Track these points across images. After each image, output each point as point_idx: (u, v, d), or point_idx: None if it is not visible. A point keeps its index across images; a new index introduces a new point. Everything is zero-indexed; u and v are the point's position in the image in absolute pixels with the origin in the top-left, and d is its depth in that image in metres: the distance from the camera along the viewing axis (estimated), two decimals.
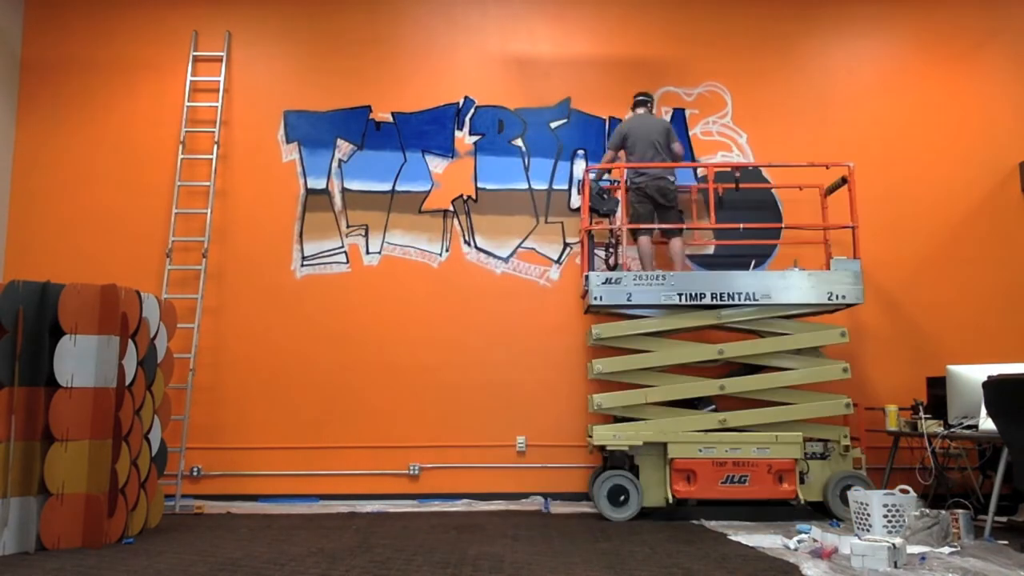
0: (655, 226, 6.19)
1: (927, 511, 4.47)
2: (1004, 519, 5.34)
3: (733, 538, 4.70)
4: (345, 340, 6.64)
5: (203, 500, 6.22)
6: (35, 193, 6.87)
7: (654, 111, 6.66)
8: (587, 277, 5.72)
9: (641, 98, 6.48)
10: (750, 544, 4.49)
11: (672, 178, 6.27)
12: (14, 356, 4.41)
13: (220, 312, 6.69)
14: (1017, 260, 6.83)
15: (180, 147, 6.85)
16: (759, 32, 7.12)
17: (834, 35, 7.14)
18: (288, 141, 6.96)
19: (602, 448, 5.57)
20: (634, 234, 6.27)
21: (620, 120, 6.99)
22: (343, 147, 6.96)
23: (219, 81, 6.95)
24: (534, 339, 6.67)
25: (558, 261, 6.84)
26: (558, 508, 6.06)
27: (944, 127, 7.02)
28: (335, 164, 6.93)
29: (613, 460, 5.58)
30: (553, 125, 7.01)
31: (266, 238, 6.80)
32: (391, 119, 7.00)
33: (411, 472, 6.47)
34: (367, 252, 6.82)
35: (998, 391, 4.33)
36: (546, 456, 6.51)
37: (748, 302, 5.64)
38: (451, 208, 6.90)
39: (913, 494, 4.64)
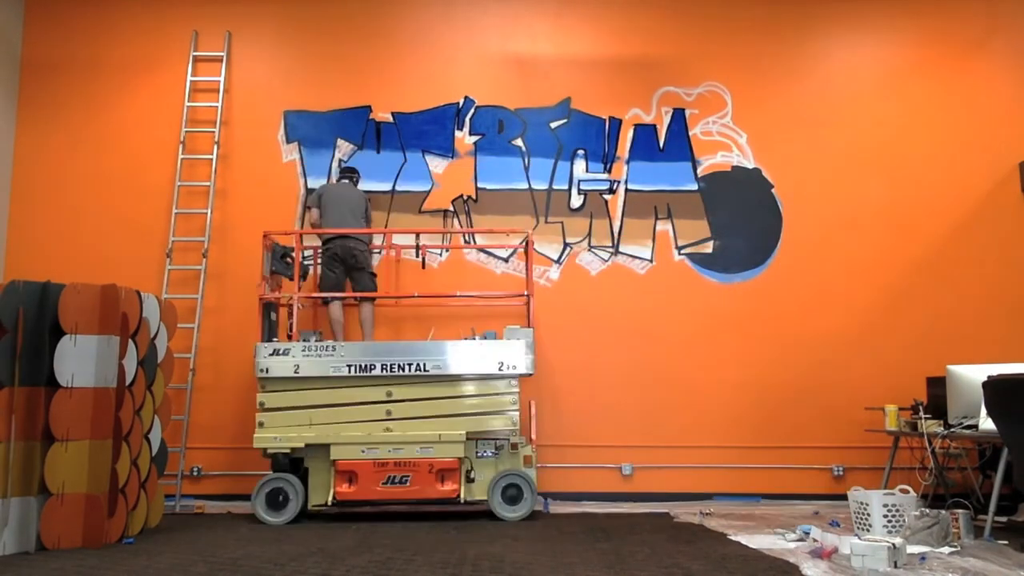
0: (334, 295, 6.15)
1: (927, 511, 4.47)
2: (1004, 519, 5.35)
3: (733, 538, 4.70)
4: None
5: (203, 500, 6.22)
6: (35, 193, 6.87)
7: (358, 185, 6.59)
8: (256, 348, 5.51)
9: (346, 169, 6.57)
10: (750, 544, 4.49)
11: (365, 241, 6.26)
12: (14, 356, 4.41)
13: (220, 312, 6.69)
14: (1017, 260, 6.83)
15: (180, 147, 6.86)
16: (759, 32, 7.12)
17: (834, 35, 7.14)
18: (288, 141, 6.96)
19: (265, 451, 5.45)
20: (325, 300, 6.23)
21: (620, 120, 7.00)
22: (343, 147, 6.96)
23: (219, 81, 6.95)
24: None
25: (558, 261, 6.84)
26: (558, 508, 6.06)
27: (944, 127, 7.02)
28: (335, 164, 6.93)
29: (276, 463, 5.47)
30: (553, 125, 7.01)
31: None
32: (391, 119, 7.00)
33: None
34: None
35: (998, 391, 4.32)
36: (546, 456, 6.51)
37: (418, 373, 5.49)
38: (451, 208, 6.90)
39: (913, 494, 4.64)
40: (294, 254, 5.97)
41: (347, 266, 6.21)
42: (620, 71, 7.08)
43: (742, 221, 6.87)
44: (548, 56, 7.09)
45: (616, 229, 6.88)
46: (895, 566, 3.76)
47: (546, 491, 6.41)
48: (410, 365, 5.51)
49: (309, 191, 6.80)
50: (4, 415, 4.34)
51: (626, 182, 6.94)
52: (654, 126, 7.01)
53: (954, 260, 6.84)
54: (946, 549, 4.28)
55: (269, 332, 5.85)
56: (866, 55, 7.12)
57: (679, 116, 7.03)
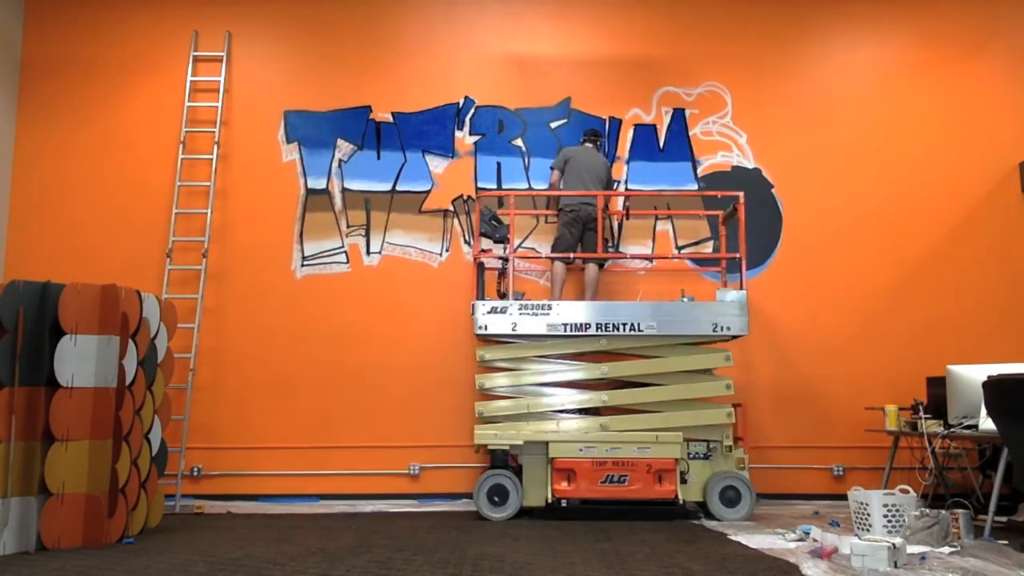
0: (555, 255, 6.26)
1: (927, 511, 4.47)
2: (1004, 519, 5.35)
3: (733, 538, 4.70)
4: (345, 340, 6.64)
5: (203, 500, 6.22)
6: (35, 193, 6.87)
7: (603, 150, 6.75)
8: (473, 305, 5.68)
9: (594, 128, 6.69)
10: (750, 544, 4.49)
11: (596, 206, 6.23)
12: (14, 356, 4.41)
13: (220, 312, 6.69)
14: (1017, 260, 6.83)
15: (180, 147, 6.85)
16: (759, 32, 7.12)
17: (834, 35, 7.14)
18: (288, 141, 6.96)
19: (486, 447, 5.54)
20: (553, 258, 6.31)
21: (620, 120, 7.00)
22: (343, 147, 6.96)
23: (219, 81, 6.95)
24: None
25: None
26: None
27: (944, 127, 7.02)
28: (335, 164, 6.93)
29: (495, 460, 5.57)
30: (553, 125, 7.01)
31: (266, 238, 6.80)
32: (391, 119, 7.00)
33: (411, 472, 6.47)
34: (367, 252, 6.82)
35: (998, 391, 4.33)
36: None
37: (632, 332, 5.59)
38: (451, 208, 6.90)
39: (913, 494, 4.65)
40: (501, 217, 6.09)
41: (585, 229, 6.26)
42: (620, 71, 7.08)
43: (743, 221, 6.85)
44: (548, 56, 7.09)
45: (616, 229, 6.87)
46: (895, 566, 3.76)
47: None
48: (624, 325, 5.59)
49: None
50: (4, 415, 4.34)
51: (626, 182, 6.94)
52: (654, 126, 7.01)
53: (954, 260, 6.84)
54: (946, 549, 4.28)
55: (481, 291, 5.97)
56: (866, 55, 7.12)
57: (679, 116, 7.03)
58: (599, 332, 5.60)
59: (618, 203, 6.83)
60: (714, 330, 5.59)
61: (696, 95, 7.07)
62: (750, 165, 6.96)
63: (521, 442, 5.49)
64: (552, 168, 6.55)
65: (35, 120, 6.98)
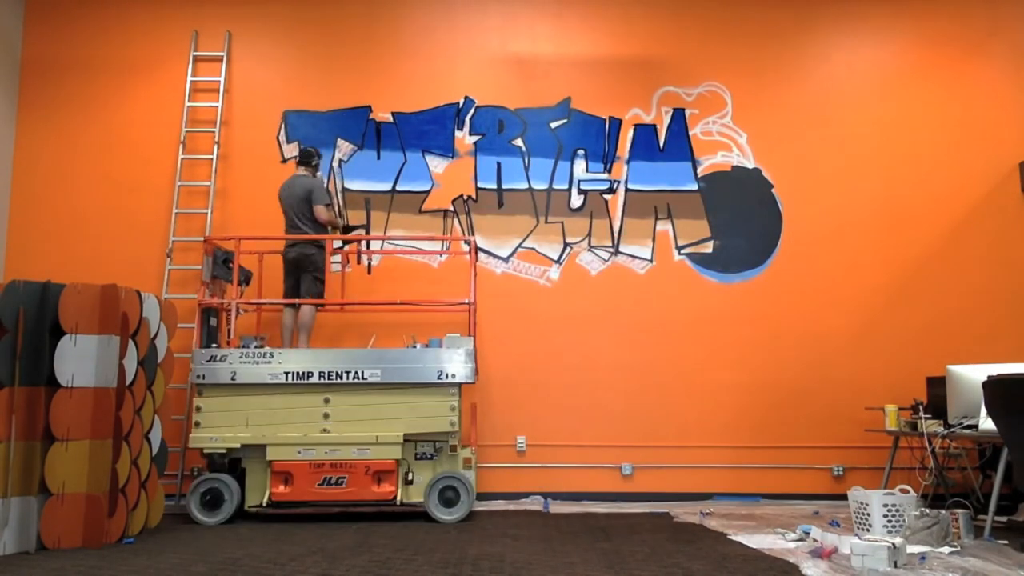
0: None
1: (927, 511, 4.47)
2: (1004, 519, 5.35)
3: (733, 538, 4.70)
4: (345, 340, 6.63)
5: None
6: (36, 193, 6.87)
7: (317, 172, 6.33)
8: (193, 354, 5.52)
9: (302, 152, 6.27)
10: (750, 544, 4.49)
11: (314, 248, 6.02)
12: (15, 356, 4.41)
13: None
14: (1017, 260, 6.84)
15: (180, 147, 6.86)
16: (759, 32, 7.12)
17: (834, 35, 7.14)
18: (288, 141, 6.96)
19: (201, 451, 5.44)
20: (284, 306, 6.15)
21: (620, 120, 7.00)
22: (343, 147, 6.96)
23: (219, 81, 6.95)
24: (534, 339, 6.68)
25: (558, 261, 6.84)
26: (558, 508, 6.06)
27: (944, 127, 7.02)
28: (335, 164, 6.93)
29: (212, 463, 5.44)
30: (553, 125, 7.01)
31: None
32: (391, 119, 7.00)
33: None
34: (367, 252, 6.82)
35: (998, 391, 4.33)
36: (546, 456, 6.52)
37: (356, 380, 5.46)
38: (451, 208, 6.90)
39: (913, 494, 4.65)
40: (235, 259, 5.94)
41: (298, 269, 6.07)
42: (620, 71, 7.08)
43: (742, 221, 6.87)
44: (548, 56, 7.09)
45: (616, 229, 6.88)
46: (895, 566, 3.76)
47: (546, 491, 6.42)
48: (348, 373, 5.47)
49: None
50: (4, 415, 4.34)
51: (626, 182, 6.94)
52: (654, 126, 7.02)
53: (954, 260, 6.85)
54: (946, 549, 4.28)
55: (208, 338, 5.83)
56: (866, 56, 7.12)
57: (679, 116, 7.04)
58: (322, 380, 5.44)
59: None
60: (439, 377, 5.45)
61: (696, 95, 7.07)
62: (750, 165, 6.97)
63: (238, 445, 5.37)
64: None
65: (35, 120, 6.98)
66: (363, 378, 5.47)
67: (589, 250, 6.85)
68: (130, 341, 4.81)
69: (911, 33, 7.15)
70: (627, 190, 6.92)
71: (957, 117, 7.04)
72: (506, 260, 6.83)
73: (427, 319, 6.57)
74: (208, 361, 5.46)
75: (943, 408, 5.39)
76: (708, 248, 6.85)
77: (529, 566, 3.88)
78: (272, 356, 5.49)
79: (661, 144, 6.99)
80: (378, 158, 6.95)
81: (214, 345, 5.80)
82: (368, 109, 7.00)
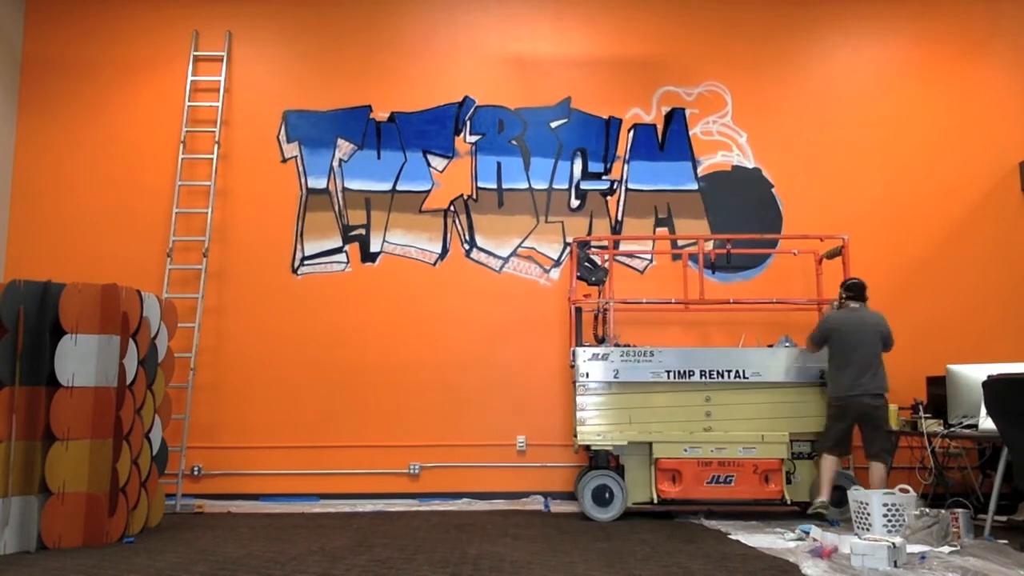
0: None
1: (927, 510, 4.48)
2: (1004, 518, 5.35)
3: (733, 537, 4.71)
4: (345, 340, 6.65)
5: (204, 499, 6.22)
6: (36, 193, 6.88)
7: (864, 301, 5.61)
8: (574, 352, 5.67)
9: (854, 283, 5.59)
10: (750, 544, 4.49)
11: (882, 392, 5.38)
12: (15, 355, 4.42)
13: (220, 312, 6.69)
14: (1017, 260, 6.84)
15: (181, 147, 6.86)
16: (759, 32, 7.12)
17: (834, 35, 7.14)
18: (288, 141, 6.97)
19: (587, 448, 5.56)
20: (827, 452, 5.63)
21: (620, 120, 7.00)
22: (343, 147, 6.96)
23: (220, 81, 6.95)
24: (534, 338, 6.68)
25: (558, 261, 6.84)
26: (558, 507, 6.06)
27: (944, 127, 7.02)
28: (335, 164, 6.93)
29: (598, 460, 5.58)
30: (553, 125, 7.01)
31: (266, 238, 6.81)
32: (391, 119, 7.00)
33: (411, 471, 6.48)
34: (367, 252, 6.83)
35: (998, 391, 4.33)
36: (546, 455, 6.52)
37: (737, 380, 5.58)
38: (451, 208, 6.90)
39: (913, 493, 4.65)
40: (596, 259, 6.08)
41: (862, 423, 5.38)
42: (620, 71, 7.08)
43: (742, 221, 6.87)
44: (548, 56, 7.10)
45: (616, 229, 6.88)
46: (895, 565, 3.76)
47: (546, 491, 6.42)
48: (729, 372, 5.58)
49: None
50: (5, 414, 4.35)
51: (626, 182, 6.94)
52: (654, 126, 7.02)
53: (954, 260, 6.85)
54: (946, 548, 4.28)
55: (579, 337, 5.94)
56: (866, 55, 7.12)
57: (679, 116, 7.04)
58: (702, 379, 5.58)
59: None
60: (821, 377, 5.57)
61: (696, 95, 7.07)
62: (750, 165, 6.97)
63: (625, 442, 5.50)
64: (812, 339, 5.58)
65: (36, 120, 6.98)
66: (744, 377, 5.57)
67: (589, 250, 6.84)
68: (130, 341, 4.81)
69: (911, 33, 7.15)
70: (627, 190, 6.92)
71: (957, 117, 7.04)
72: (506, 260, 6.83)
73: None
74: (591, 359, 5.57)
75: (943, 408, 5.39)
76: (708, 248, 6.84)
77: (529, 566, 3.88)
78: (652, 355, 5.59)
79: (661, 144, 6.98)
80: (378, 158, 6.95)
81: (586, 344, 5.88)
82: (368, 109, 7.01)
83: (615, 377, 5.56)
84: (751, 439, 5.48)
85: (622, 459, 5.59)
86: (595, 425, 5.53)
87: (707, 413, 5.56)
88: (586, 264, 6.09)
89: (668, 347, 5.82)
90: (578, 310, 6.01)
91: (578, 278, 6.11)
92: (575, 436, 5.60)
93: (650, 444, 5.51)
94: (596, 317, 6.11)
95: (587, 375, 5.57)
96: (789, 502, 5.47)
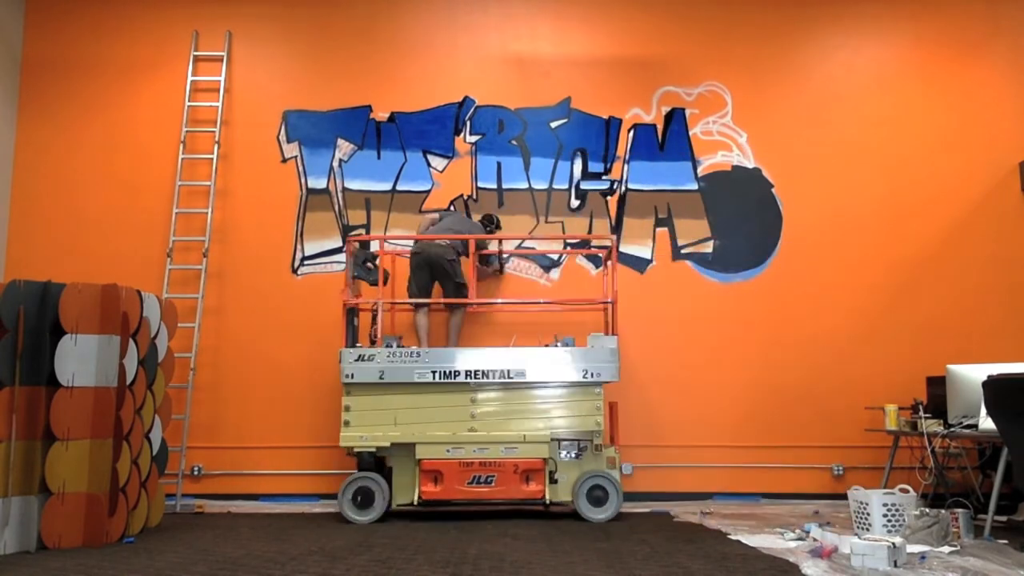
0: (423, 301, 6.16)
1: (927, 510, 4.48)
2: (1004, 518, 5.35)
3: (733, 537, 4.71)
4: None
5: (204, 499, 6.23)
6: (36, 193, 6.88)
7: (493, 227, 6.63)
8: (341, 353, 5.56)
9: (489, 216, 6.61)
10: (750, 544, 4.49)
11: (453, 254, 6.14)
12: (15, 355, 4.42)
13: (221, 312, 6.69)
14: (1017, 260, 6.84)
15: (181, 147, 6.86)
16: (759, 32, 7.12)
17: (834, 35, 7.14)
18: (288, 141, 6.97)
19: (350, 450, 5.49)
20: (415, 307, 6.21)
21: (620, 120, 7.00)
22: (343, 147, 6.96)
23: (220, 81, 6.95)
24: (534, 338, 6.66)
25: (558, 261, 6.84)
26: (558, 507, 6.05)
27: (944, 127, 7.02)
28: (335, 164, 6.93)
29: (362, 462, 5.50)
30: (553, 125, 7.01)
31: (266, 238, 6.81)
32: (391, 119, 7.00)
33: None
34: (505, 252, 6.81)
35: (998, 391, 4.33)
36: None
37: (502, 379, 5.52)
38: (451, 208, 6.90)
39: (913, 493, 4.65)
40: (376, 260, 6.00)
41: (434, 274, 6.18)
42: (620, 71, 7.08)
43: (742, 221, 6.87)
44: (548, 56, 7.10)
45: (616, 229, 6.88)
46: (895, 565, 3.76)
47: None
48: (494, 372, 5.54)
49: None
50: (5, 414, 4.35)
51: (626, 182, 6.94)
52: (654, 126, 7.02)
53: (954, 260, 6.85)
54: (946, 548, 4.28)
55: (352, 338, 5.87)
56: (866, 55, 7.12)
57: (679, 116, 7.04)
58: (468, 379, 5.51)
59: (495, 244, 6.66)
60: (584, 376, 5.51)
61: (696, 95, 7.07)
62: (750, 165, 6.97)
63: (388, 444, 5.42)
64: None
65: (36, 120, 6.98)
66: (509, 377, 5.53)
67: (589, 250, 6.85)
68: (130, 341, 4.82)
69: (911, 33, 7.15)
70: (627, 190, 6.92)
71: (957, 117, 7.03)
72: (506, 260, 6.83)
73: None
74: (356, 360, 5.51)
75: (943, 408, 5.39)
76: (708, 248, 6.85)
77: (529, 566, 3.88)
78: (419, 355, 5.54)
79: (661, 144, 6.99)
80: (378, 158, 6.95)
81: (358, 345, 5.83)
82: (368, 109, 7.01)
83: (380, 378, 5.47)
84: (513, 439, 5.44)
85: (389, 460, 5.51)
86: (359, 427, 5.45)
87: (472, 415, 5.50)
88: (366, 264, 6.03)
89: (437, 348, 5.84)
90: (349, 311, 5.87)
91: (354, 278, 5.99)
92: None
93: (414, 445, 5.42)
94: (373, 318, 6.00)
95: (351, 376, 5.48)
96: (549, 502, 5.40)
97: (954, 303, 6.78)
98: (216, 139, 6.86)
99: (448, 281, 6.19)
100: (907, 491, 4.65)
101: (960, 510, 4.71)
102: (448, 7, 7.14)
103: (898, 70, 7.11)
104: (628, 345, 6.68)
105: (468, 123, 7.01)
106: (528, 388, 5.57)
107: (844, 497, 5.17)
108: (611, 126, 7.01)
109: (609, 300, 5.98)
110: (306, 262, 6.80)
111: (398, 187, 6.93)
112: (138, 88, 7.02)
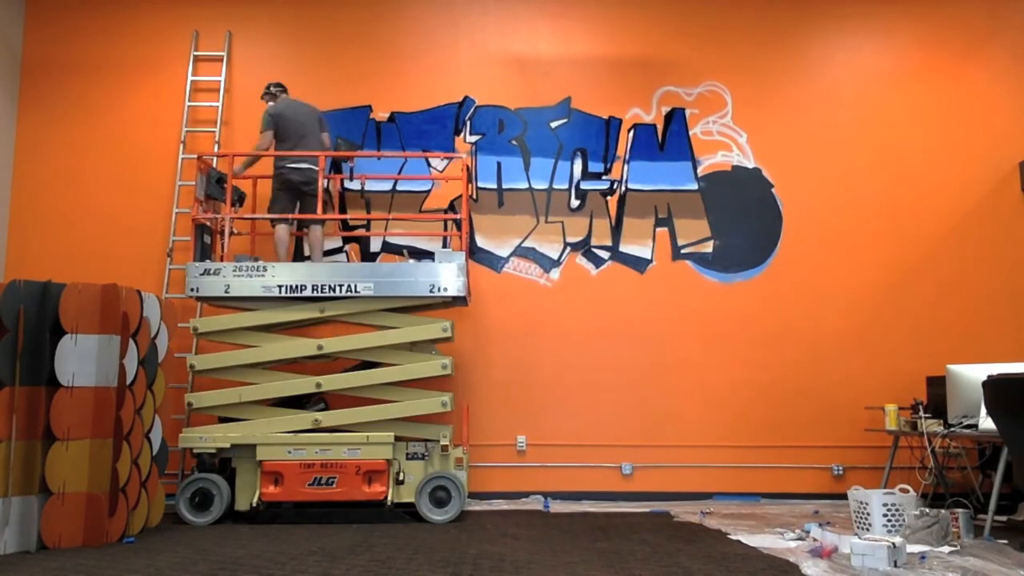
0: (287, 216, 6.05)
1: (927, 510, 4.48)
2: (1004, 518, 5.35)
3: (733, 537, 4.71)
4: None
5: None
6: (36, 192, 6.88)
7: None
8: (187, 267, 5.53)
9: (277, 85, 6.32)
10: (750, 543, 4.50)
11: (316, 168, 6.03)
12: (15, 355, 4.42)
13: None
14: (1017, 260, 6.84)
15: (181, 147, 6.86)
16: (759, 32, 7.12)
17: (835, 34, 7.14)
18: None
19: (191, 451, 5.43)
20: (273, 223, 6.12)
21: (620, 120, 7.00)
22: (344, 147, 6.95)
23: (220, 81, 6.95)
24: (534, 338, 6.68)
25: (558, 261, 6.84)
26: (558, 507, 6.06)
27: (944, 126, 7.03)
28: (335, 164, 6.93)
29: (202, 463, 5.41)
30: (553, 125, 7.01)
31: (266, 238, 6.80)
32: (391, 119, 7.00)
33: None
34: (367, 252, 6.82)
35: (998, 391, 4.33)
36: (546, 455, 6.52)
37: (349, 295, 5.47)
38: (451, 208, 6.90)
39: (913, 493, 4.65)
40: (228, 178, 5.92)
41: (300, 193, 6.08)
42: (620, 71, 7.08)
43: (742, 221, 6.88)
44: (548, 56, 7.10)
45: (616, 229, 6.88)
46: (895, 565, 3.76)
47: (546, 491, 6.42)
48: (341, 287, 5.46)
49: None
50: (5, 414, 4.35)
51: (626, 182, 6.94)
52: (654, 126, 7.02)
53: (954, 260, 6.85)
54: (946, 548, 4.28)
55: (202, 254, 5.79)
56: (867, 55, 7.12)
57: (679, 116, 7.04)
58: (315, 294, 5.43)
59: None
60: (431, 291, 5.47)
61: (696, 95, 7.07)
62: (750, 165, 6.97)
63: (227, 444, 5.34)
64: (261, 132, 6.07)
65: (36, 120, 6.98)
66: (356, 291, 5.46)
67: (589, 250, 6.85)
68: (130, 341, 4.82)
69: (911, 33, 7.15)
70: (627, 190, 6.92)
71: (957, 117, 7.04)
72: (506, 260, 6.83)
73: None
74: (202, 274, 5.44)
75: (943, 408, 5.40)
76: (708, 248, 6.85)
77: (529, 566, 3.88)
78: (266, 270, 5.47)
79: (661, 144, 6.99)
80: (378, 158, 6.95)
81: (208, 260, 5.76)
82: (368, 109, 7.01)
83: (226, 291, 5.42)
84: (356, 440, 5.37)
85: (233, 461, 5.41)
86: (200, 428, 5.40)
87: (315, 421, 5.45)
88: (217, 184, 5.99)
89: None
90: (200, 226, 5.81)
91: (207, 197, 5.95)
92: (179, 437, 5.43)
93: (255, 446, 5.35)
94: (219, 235, 5.93)
95: (196, 290, 5.43)
96: (391, 503, 5.33)
97: (954, 303, 6.78)
98: (216, 139, 6.86)
99: (314, 199, 6.00)
100: (907, 491, 4.65)
101: (960, 510, 4.72)
102: (448, 7, 7.14)
103: (898, 70, 7.11)
104: (628, 345, 6.70)
105: (468, 123, 7.01)
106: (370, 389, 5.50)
107: (844, 497, 5.19)
108: (611, 126, 7.01)
109: (458, 216, 5.98)
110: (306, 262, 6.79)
111: (398, 187, 6.92)
112: (138, 88, 7.02)
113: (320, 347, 5.51)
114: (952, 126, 7.02)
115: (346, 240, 6.84)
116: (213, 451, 5.37)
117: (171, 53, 7.04)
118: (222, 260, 5.82)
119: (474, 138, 6.99)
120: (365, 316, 5.59)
